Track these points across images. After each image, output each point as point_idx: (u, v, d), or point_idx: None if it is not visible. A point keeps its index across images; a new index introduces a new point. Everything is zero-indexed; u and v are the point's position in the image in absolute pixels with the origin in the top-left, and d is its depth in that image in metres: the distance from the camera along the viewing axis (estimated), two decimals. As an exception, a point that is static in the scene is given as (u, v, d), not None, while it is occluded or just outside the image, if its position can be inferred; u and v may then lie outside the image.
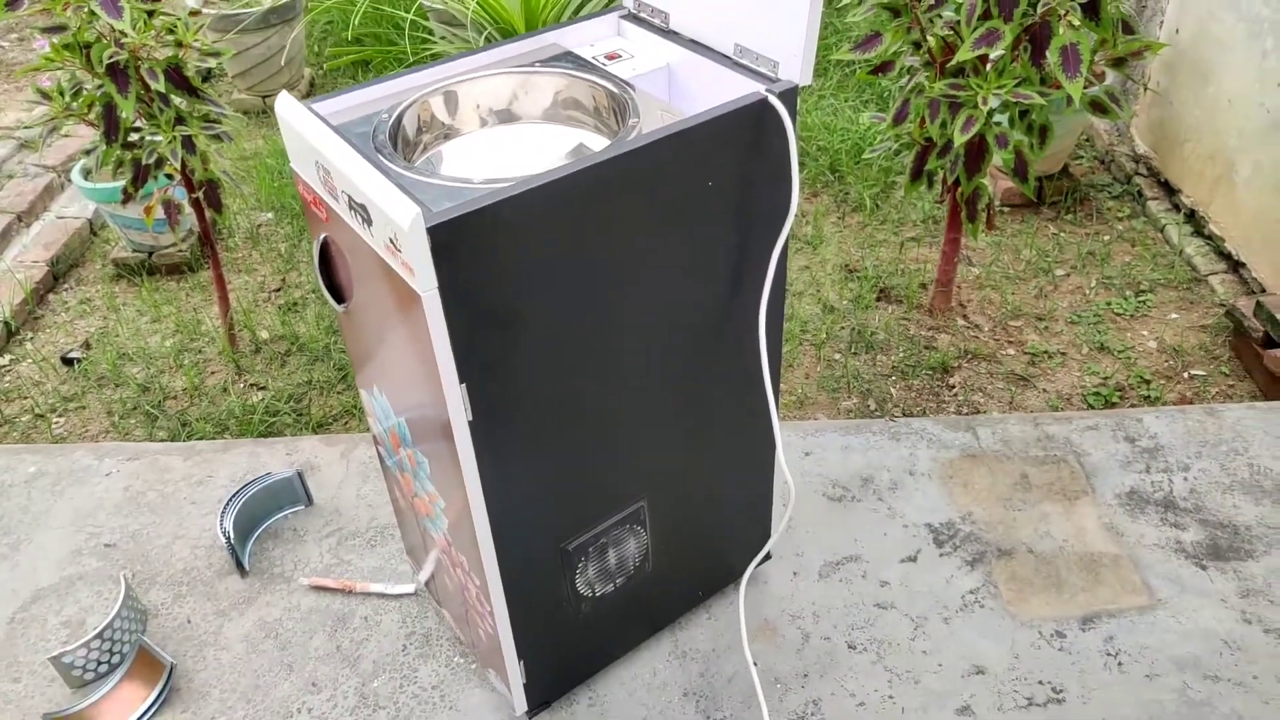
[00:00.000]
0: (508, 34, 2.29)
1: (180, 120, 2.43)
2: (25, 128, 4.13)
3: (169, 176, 2.56)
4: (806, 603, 2.10)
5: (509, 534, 1.55)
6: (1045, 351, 2.83)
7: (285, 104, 1.44)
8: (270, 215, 3.63)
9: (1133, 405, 2.63)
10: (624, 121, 1.48)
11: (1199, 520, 2.23)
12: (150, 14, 2.31)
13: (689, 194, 1.44)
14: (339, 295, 1.60)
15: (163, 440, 2.67)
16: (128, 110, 2.28)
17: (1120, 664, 1.96)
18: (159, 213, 2.63)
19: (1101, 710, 1.88)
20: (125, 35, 2.23)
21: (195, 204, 2.67)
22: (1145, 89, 3.37)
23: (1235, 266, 2.97)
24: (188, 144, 2.42)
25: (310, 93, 4.63)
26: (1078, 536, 2.21)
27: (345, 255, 1.49)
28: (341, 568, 2.22)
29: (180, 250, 3.28)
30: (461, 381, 1.34)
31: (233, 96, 4.38)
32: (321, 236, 1.53)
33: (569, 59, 1.64)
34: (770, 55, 1.48)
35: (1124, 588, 2.10)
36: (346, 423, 2.73)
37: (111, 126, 2.37)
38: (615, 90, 1.53)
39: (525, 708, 1.83)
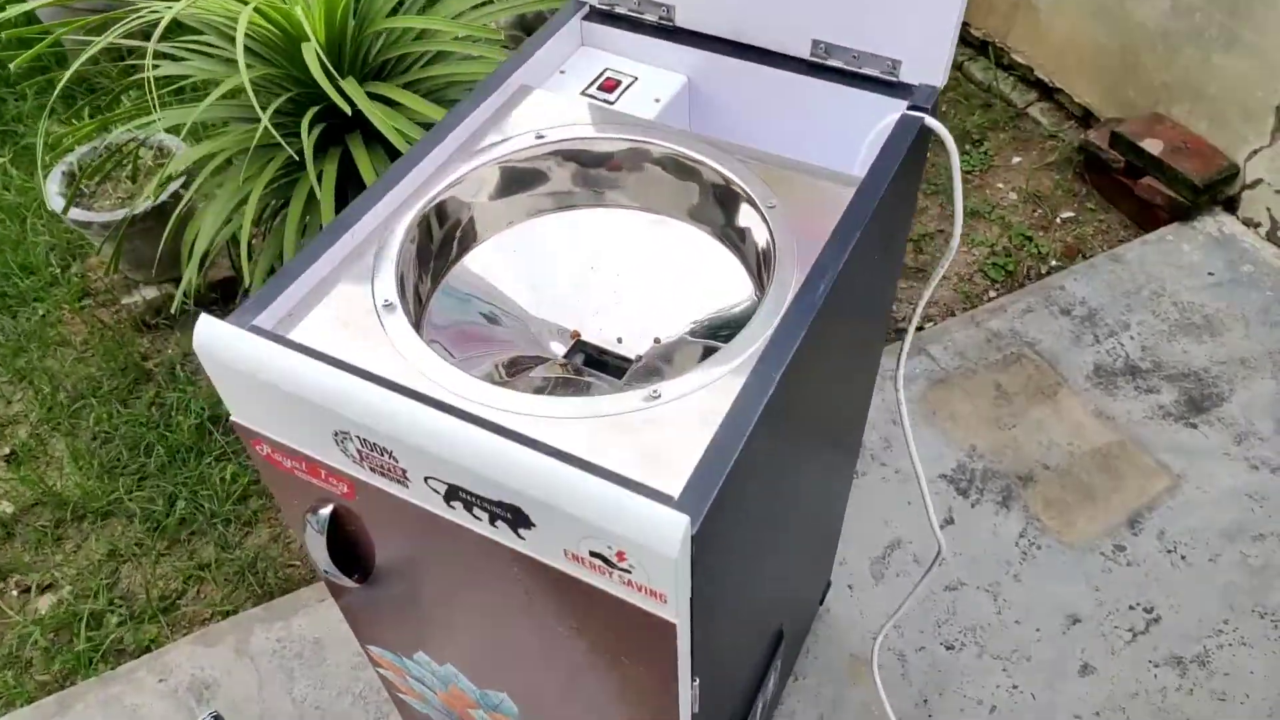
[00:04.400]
0: (293, 46, 1.59)
1: None
2: None
3: None
4: (879, 616, 1.87)
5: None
6: (924, 234, 2.69)
7: (231, 339, 0.81)
8: (-85, 330, 2.57)
9: (1030, 268, 2.58)
10: (736, 203, 1.01)
11: (1164, 377, 2.24)
12: None
13: (861, 282, 1.03)
14: (351, 568, 1.03)
15: (-49, 731, 1.84)
16: None
17: (1183, 557, 1.94)
18: None
19: (1195, 613, 1.86)
20: None
21: None
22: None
23: (1049, 93, 2.97)
24: None
25: None
26: (1078, 434, 2.14)
27: (387, 535, 0.93)
28: (333, 812, 1.66)
29: None
30: (694, 678, 0.89)
31: None
32: (329, 507, 0.94)
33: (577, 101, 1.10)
34: (884, 53, 1.06)
35: (1143, 474, 2.07)
36: (199, 591, 2.04)
37: None
38: (712, 161, 1.03)
39: None
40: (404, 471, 0.80)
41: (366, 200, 0.96)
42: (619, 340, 1.06)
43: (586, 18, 1.19)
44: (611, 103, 1.13)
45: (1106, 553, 1.95)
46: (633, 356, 1.05)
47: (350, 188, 1.75)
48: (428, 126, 1.72)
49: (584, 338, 1.07)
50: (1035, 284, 2.48)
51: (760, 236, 0.97)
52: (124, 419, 2.34)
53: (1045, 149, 2.89)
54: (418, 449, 0.76)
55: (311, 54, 1.49)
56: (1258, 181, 2.45)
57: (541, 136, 1.06)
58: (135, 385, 2.43)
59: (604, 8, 1.18)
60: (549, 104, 1.10)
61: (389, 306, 0.90)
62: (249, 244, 1.76)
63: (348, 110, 1.49)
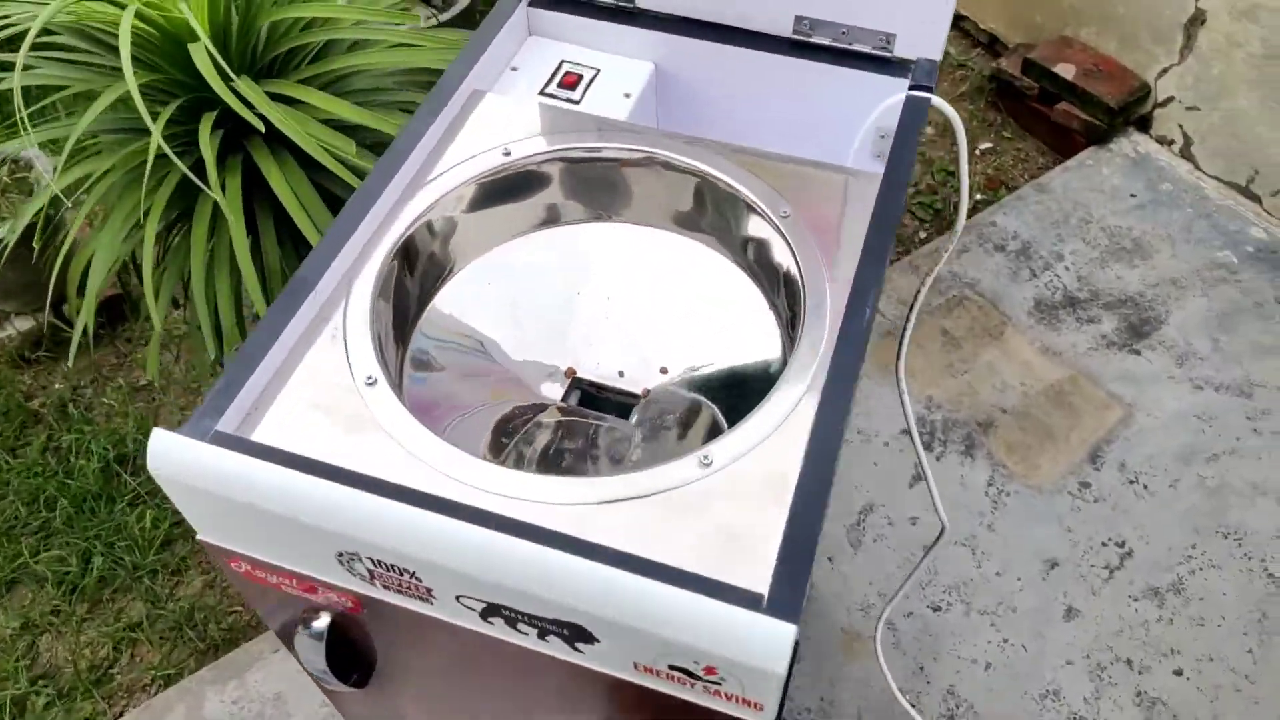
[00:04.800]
0: (175, 47, 1.38)
1: None
2: None
3: None
4: (864, 585, 1.84)
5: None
6: (848, 177, 2.63)
7: (196, 457, 0.67)
8: None
9: (956, 204, 2.55)
10: (740, 211, 0.90)
11: (1102, 306, 2.25)
12: None
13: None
14: (348, 671, 0.90)
15: None
16: None
17: (1145, 486, 1.96)
18: None
19: (1163, 541, 1.89)
20: None
21: None
22: None
23: (954, 20, 2.92)
24: None
25: None
26: (1029, 373, 2.14)
27: (394, 639, 0.80)
28: None
29: None
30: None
31: None
32: (326, 618, 0.81)
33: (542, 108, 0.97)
34: (876, 26, 0.96)
35: (1097, 407, 2.08)
36: (134, 656, 1.86)
37: None
38: (704, 165, 0.91)
39: None
40: (429, 590, 0.68)
41: (324, 253, 0.81)
42: (620, 374, 0.95)
43: (532, 3, 1.05)
44: (576, 102, 1.00)
45: (1073, 491, 1.96)
46: (639, 391, 0.94)
47: (257, 199, 1.57)
48: (332, 124, 1.54)
49: (580, 374, 0.96)
50: (965, 221, 2.45)
51: (779, 254, 0.87)
52: (15, 470, 2.11)
53: (956, 79, 2.85)
54: (451, 571, 0.64)
55: (202, 53, 1.29)
56: (1169, 100, 2.46)
57: (508, 153, 0.92)
58: (22, 430, 2.19)
59: (550, -9, 1.04)
60: (507, 111, 0.96)
61: (372, 382, 0.76)
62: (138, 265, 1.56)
63: (260, 126, 1.30)
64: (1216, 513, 1.92)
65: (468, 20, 2.50)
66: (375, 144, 1.60)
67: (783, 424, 0.73)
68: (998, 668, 1.75)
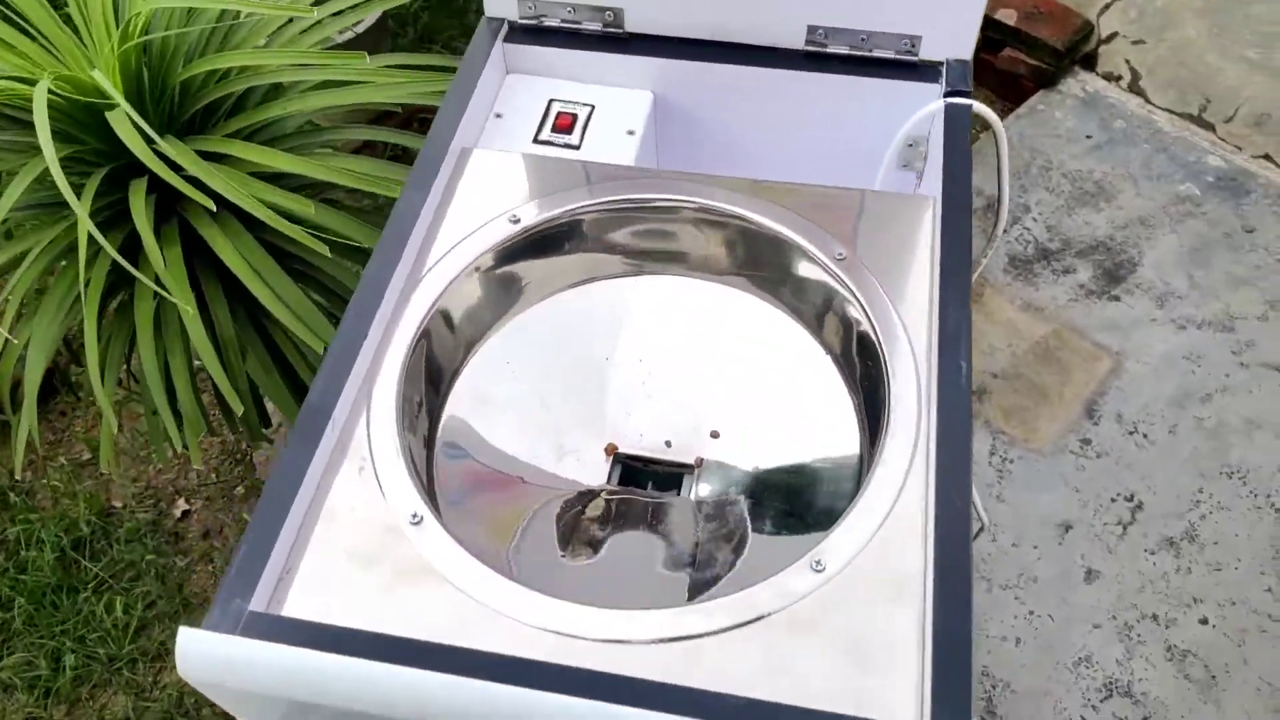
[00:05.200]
0: (91, 113, 1.22)
1: None
2: None
3: None
4: (883, 576, 1.79)
5: None
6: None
7: (231, 657, 0.57)
8: None
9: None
10: (783, 253, 0.81)
11: (1075, 254, 2.22)
12: None
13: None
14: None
15: None
16: None
17: (1145, 435, 1.95)
18: None
19: (1171, 490, 1.88)
20: None
21: None
22: None
23: (884, -27, 2.84)
24: None
25: None
26: (1013, 333, 2.10)
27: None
28: None
29: None
30: None
31: None
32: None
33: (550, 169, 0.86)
34: (898, 28, 0.87)
35: (1086, 359, 2.06)
36: (126, 756, 1.73)
37: None
38: (737, 208, 0.82)
39: None
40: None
41: (336, 371, 0.70)
42: (667, 444, 0.86)
43: (509, 38, 0.94)
44: (576, 146, 0.90)
45: (1075, 450, 1.94)
46: (691, 460, 0.85)
47: (199, 264, 1.43)
48: (261, 175, 1.39)
49: (623, 449, 0.86)
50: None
51: (843, 306, 0.78)
52: (-40, 573, 1.94)
53: (894, 33, 2.78)
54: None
55: (121, 118, 1.15)
56: (1113, 35, 2.43)
57: (516, 220, 0.82)
58: (-39, 527, 2.01)
59: (529, 23, 0.93)
60: (502, 168, 0.86)
61: (417, 520, 0.66)
62: (77, 350, 1.42)
63: (206, 202, 1.17)
64: (1218, 453, 1.91)
65: (379, 33, 2.35)
66: (300, 186, 1.46)
67: (892, 510, 0.65)
68: (1027, 641, 1.72)
